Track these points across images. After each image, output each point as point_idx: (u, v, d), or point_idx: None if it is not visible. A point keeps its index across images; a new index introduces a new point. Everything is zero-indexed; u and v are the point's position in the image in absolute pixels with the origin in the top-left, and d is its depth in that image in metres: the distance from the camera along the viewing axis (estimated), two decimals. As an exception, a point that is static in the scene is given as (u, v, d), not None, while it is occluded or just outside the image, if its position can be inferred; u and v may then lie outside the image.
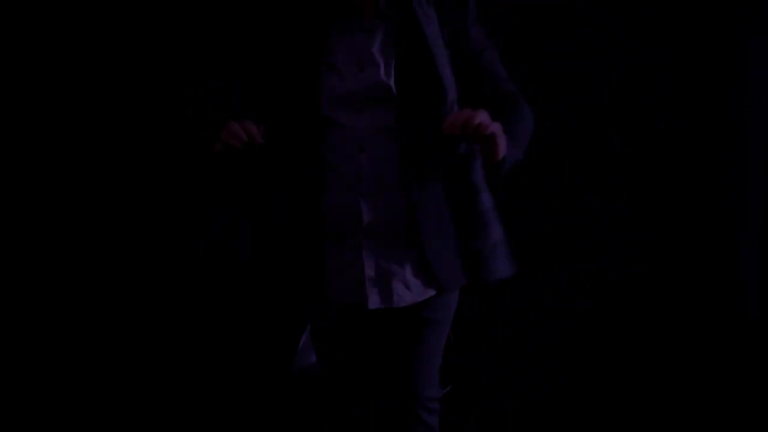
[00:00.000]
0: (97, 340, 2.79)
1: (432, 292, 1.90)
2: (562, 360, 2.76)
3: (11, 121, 2.69)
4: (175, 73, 2.63)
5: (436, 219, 1.86)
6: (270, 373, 2.13)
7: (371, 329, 1.96)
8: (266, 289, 1.98)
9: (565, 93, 2.72)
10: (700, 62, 2.62)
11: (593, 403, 2.73)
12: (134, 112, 2.71)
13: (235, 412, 2.73)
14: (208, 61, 2.48)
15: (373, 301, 1.85)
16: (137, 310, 2.78)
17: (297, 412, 2.05)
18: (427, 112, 1.81)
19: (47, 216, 2.73)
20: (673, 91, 2.65)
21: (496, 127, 1.71)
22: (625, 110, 2.68)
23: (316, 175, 1.82)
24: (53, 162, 2.71)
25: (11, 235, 2.72)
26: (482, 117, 1.69)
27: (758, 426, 2.64)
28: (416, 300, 1.89)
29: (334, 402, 2.00)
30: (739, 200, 2.64)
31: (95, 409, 2.75)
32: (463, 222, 1.88)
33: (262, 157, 1.83)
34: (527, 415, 2.75)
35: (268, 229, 1.90)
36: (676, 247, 2.69)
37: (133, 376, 2.78)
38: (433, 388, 1.99)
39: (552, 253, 2.77)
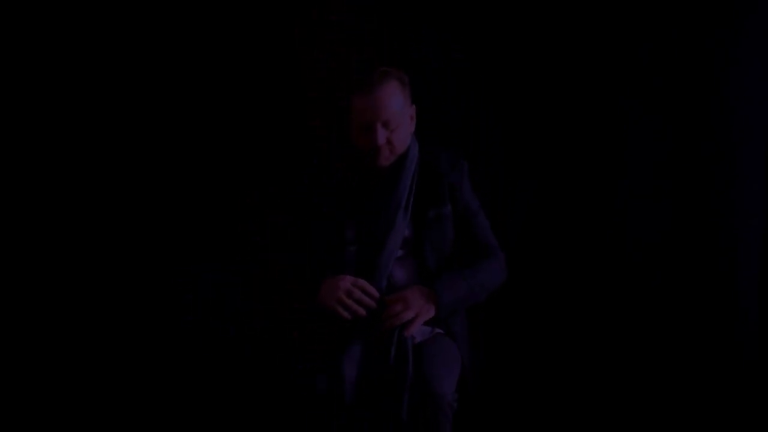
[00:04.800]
0: (94, 343, 2.79)
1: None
2: (562, 360, 2.76)
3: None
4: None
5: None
6: (287, 385, 2.17)
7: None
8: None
9: (565, 93, 2.72)
10: (698, 62, 2.63)
11: (593, 403, 2.74)
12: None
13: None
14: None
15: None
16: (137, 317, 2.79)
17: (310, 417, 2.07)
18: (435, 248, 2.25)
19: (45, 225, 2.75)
20: (672, 92, 2.65)
21: (414, 326, 2.11)
22: (625, 111, 2.68)
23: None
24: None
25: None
26: (408, 315, 2.10)
27: (758, 426, 2.64)
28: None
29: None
30: (739, 201, 2.64)
31: (93, 411, 2.76)
32: None
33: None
34: (527, 415, 2.76)
35: None
36: (676, 248, 2.69)
37: (132, 377, 2.79)
38: (453, 387, 2.08)
39: (552, 253, 2.77)
